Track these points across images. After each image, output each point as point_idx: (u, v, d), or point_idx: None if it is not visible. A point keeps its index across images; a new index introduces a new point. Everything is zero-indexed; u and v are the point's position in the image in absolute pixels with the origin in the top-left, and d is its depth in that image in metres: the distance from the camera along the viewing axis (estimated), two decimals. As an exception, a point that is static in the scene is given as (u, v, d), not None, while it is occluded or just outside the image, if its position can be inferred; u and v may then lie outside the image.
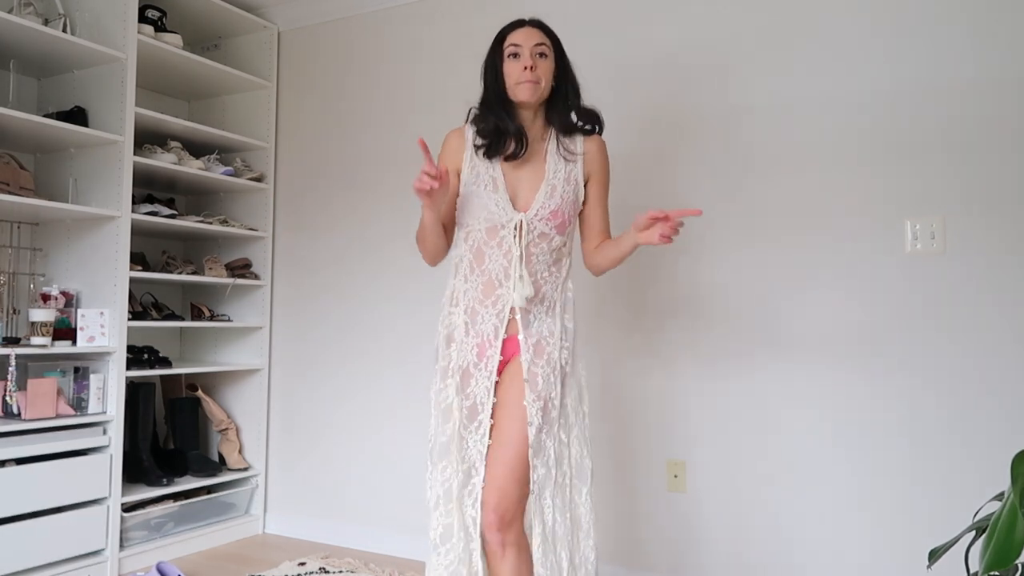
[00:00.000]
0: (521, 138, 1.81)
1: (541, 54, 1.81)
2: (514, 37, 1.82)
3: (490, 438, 1.78)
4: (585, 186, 1.90)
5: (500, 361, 1.81)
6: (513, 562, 1.73)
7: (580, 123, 1.89)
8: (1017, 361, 2.18)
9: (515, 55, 1.81)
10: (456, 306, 1.87)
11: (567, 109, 1.88)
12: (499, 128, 1.81)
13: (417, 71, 3.20)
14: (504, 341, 1.81)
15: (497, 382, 1.81)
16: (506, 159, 1.83)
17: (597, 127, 1.92)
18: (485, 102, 1.86)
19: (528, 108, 1.85)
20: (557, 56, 1.85)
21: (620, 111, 2.74)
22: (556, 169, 1.84)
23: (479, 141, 1.84)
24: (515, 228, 1.79)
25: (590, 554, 1.83)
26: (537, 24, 1.85)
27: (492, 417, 1.79)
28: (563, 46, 1.89)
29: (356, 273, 3.29)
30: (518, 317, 1.80)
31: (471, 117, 1.89)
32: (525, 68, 1.78)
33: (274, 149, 3.51)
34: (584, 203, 1.92)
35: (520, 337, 1.80)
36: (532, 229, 1.80)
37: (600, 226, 1.93)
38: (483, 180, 1.83)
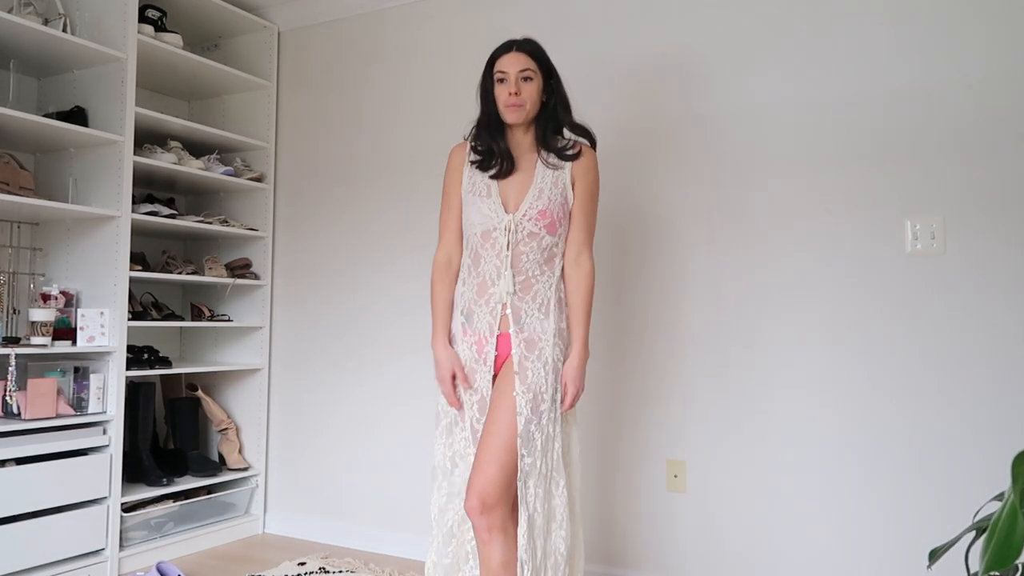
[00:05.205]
0: (506, 160, 1.96)
1: (526, 78, 1.94)
2: (501, 63, 1.95)
3: None
4: (572, 189, 2.00)
5: (496, 356, 1.92)
6: (499, 547, 1.81)
7: (567, 142, 2.00)
8: (1017, 361, 2.18)
9: (502, 80, 1.95)
10: (455, 309, 2.00)
11: (555, 125, 2.00)
12: (491, 149, 1.97)
13: (417, 71, 3.20)
14: (499, 338, 1.92)
15: (495, 376, 1.93)
16: (493, 176, 1.96)
17: (589, 142, 2.04)
18: (480, 122, 2.02)
19: (518, 126, 1.98)
20: (545, 75, 1.97)
21: (621, 114, 2.75)
22: (544, 175, 1.97)
23: (473, 157, 2.01)
24: (505, 229, 1.92)
25: (560, 544, 1.91)
26: (525, 48, 1.96)
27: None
28: (551, 64, 1.99)
29: (356, 272, 3.29)
30: (509, 313, 1.91)
31: (470, 135, 2.04)
32: (511, 93, 1.92)
33: (274, 149, 3.51)
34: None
35: (511, 331, 1.90)
36: (521, 229, 1.92)
37: (577, 226, 1.99)
38: (478, 188, 1.98)
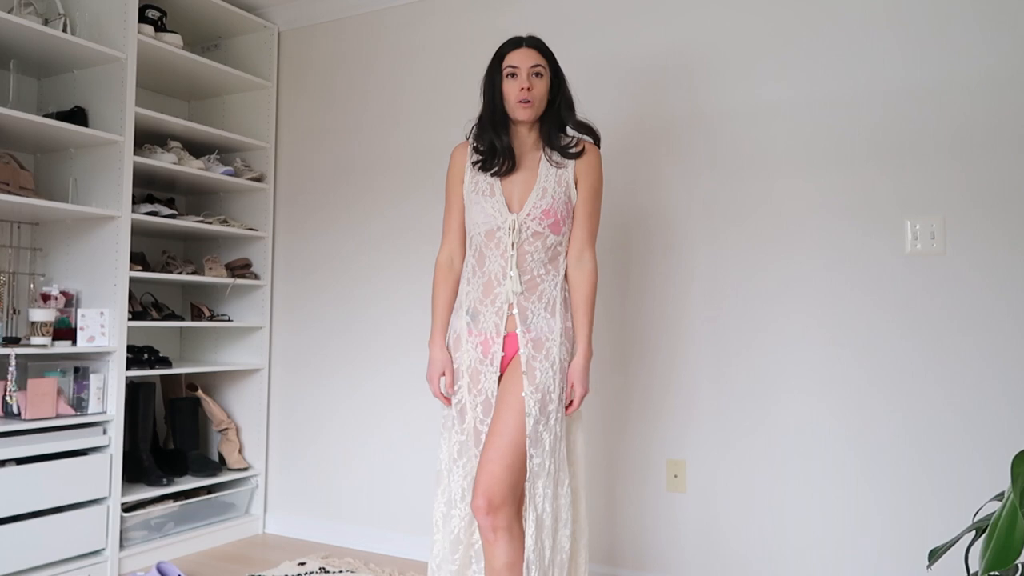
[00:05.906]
0: (507, 158, 1.94)
1: (537, 74, 1.93)
2: (512, 58, 1.94)
3: None
4: (575, 187, 1.99)
5: (503, 357, 1.91)
6: (504, 547, 1.81)
7: (571, 140, 2.00)
8: (1017, 361, 2.18)
9: (512, 75, 1.93)
10: (459, 309, 1.99)
11: (559, 123, 1.99)
12: (493, 147, 1.95)
13: (417, 71, 3.20)
14: (505, 338, 1.91)
15: (501, 376, 1.91)
16: (494, 175, 1.95)
17: (593, 139, 2.03)
18: (482, 119, 1.99)
19: (524, 123, 1.97)
20: (552, 73, 1.97)
21: (623, 114, 2.75)
22: (548, 174, 1.96)
23: (475, 158, 1.99)
24: (509, 228, 1.90)
25: (564, 543, 1.91)
26: (534, 44, 1.96)
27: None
28: (558, 62, 1.99)
29: (356, 272, 3.29)
30: (515, 312, 1.89)
31: (471, 134, 2.02)
32: (522, 89, 1.90)
33: (274, 149, 3.51)
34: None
35: (518, 331, 1.89)
36: (525, 228, 1.91)
37: (580, 224, 1.99)
38: (481, 188, 1.96)
